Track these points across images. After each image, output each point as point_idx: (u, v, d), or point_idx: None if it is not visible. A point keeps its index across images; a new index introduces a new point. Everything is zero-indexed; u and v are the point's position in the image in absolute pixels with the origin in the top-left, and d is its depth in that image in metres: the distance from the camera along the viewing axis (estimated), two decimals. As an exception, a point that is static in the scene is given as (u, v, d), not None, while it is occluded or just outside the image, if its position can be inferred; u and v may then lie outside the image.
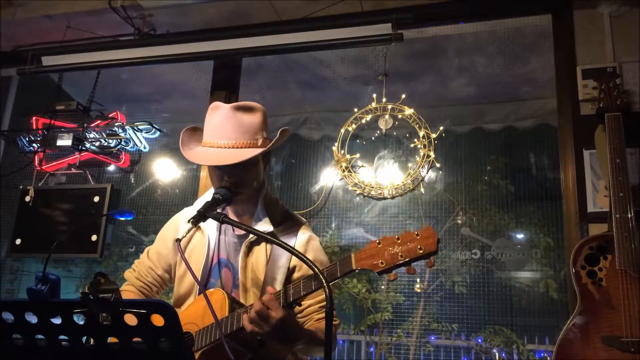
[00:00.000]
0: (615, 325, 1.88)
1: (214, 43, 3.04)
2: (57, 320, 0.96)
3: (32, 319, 0.97)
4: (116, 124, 3.35)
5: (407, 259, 1.30)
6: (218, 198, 1.54)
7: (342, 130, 2.98)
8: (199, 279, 1.63)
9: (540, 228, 3.01)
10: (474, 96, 3.31)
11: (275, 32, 2.96)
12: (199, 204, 1.65)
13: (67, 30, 3.29)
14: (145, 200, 3.53)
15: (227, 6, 2.98)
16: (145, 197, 3.53)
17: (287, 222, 1.71)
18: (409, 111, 2.88)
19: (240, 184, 1.61)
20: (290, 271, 1.64)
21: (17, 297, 3.57)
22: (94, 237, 3.12)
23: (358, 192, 2.91)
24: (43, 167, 3.40)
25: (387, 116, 2.93)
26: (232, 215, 1.73)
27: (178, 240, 1.45)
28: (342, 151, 2.97)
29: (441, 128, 2.86)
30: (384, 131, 2.95)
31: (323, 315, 1.61)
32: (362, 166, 2.98)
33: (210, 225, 1.72)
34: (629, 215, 1.95)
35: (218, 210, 1.53)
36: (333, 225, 3.29)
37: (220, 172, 1.62)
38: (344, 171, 2.94)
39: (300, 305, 1.49)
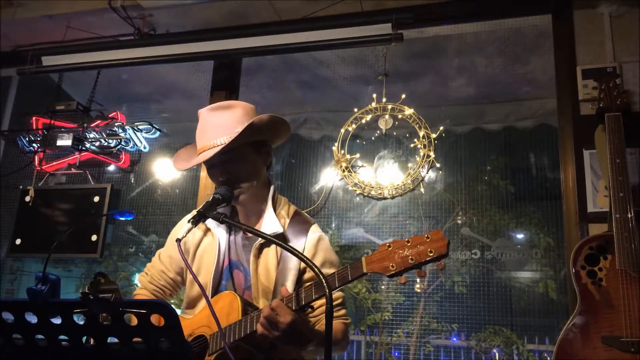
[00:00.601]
0: (615, 325, 1.88)
1: (214, 43, 3.04)
2: (57, 320, 0.96)
3: (32, 319, 0.97)
4: (116, 124, 3.35)
5: (417, 262, 1.29)
6: (218, 198, 1.54)
7: (342, 130, 2.98)
8: (211, 282, 1.64)
9: (540, 228, 3.01)
10: (474, 96, 3.31)
11: (275, 32, 2.96)
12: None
13: (67, 30, 3.29)
14: (145, 200, 3.53)
15: (227, 6, 2.98)
16: (145, 197, 3.54)
17: (296, 222, 1.70)
18: (409, 111, 2.88)
19: (232, 180, 1.61)
20: (301, 272, 1.63)
21: (17, 297, 3.57)
22: (94, 237, 3.12)
23: (358, 192, 2.91)
24: (43, 167, 3.40)
25: (387, 116, 2.93)
26: (241, 217, 1.73)
27: (178, 240, 1.45)
28: (342, 151, 2.97)
29: (441, 128, 2.86)
30: (384, 131, 2.95)
31: (334, 315, 1.61)
32: (362, 166, 2.98)
33: (220, 228, 1.71)
34: (629, 215, 1.95)
35: (218, 210, 1.53)
36: (333, 225, 3.29)
37: (214, 172, 1.65)
38: (344, 171, 2.94)
39: (313, 308, 1.49)
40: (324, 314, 1.60)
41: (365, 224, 3.21)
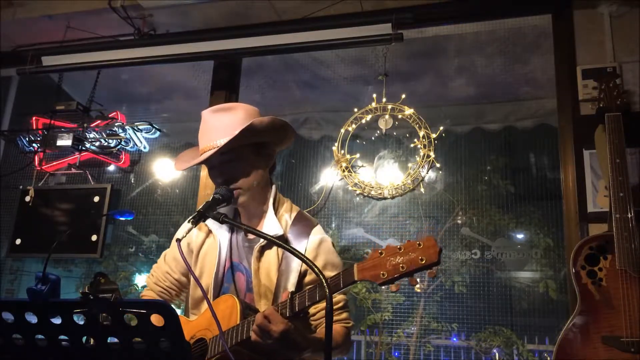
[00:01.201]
0: (615, 325, 1.88)
1: (214, 43, 3.04)
2: (57, 320, 0.97)
3: (32, 319, 0.97)
4: (116, 124, 3.35)
5: (408, 270, 1.27)
6: (218, 198, 1.54)
7: (342, 130, 2.98)
8: (212, 284, 1.64)
9: (540, 228, 3.01)
10: (474, 96, 3.31)
11: (275, 32, 2.96)
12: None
13: (67, 30, 3.29)
14: (145, 200, 3.53)
15: (227, 6, 2.98)
16: (145, 197, 3.53)
17: (298, 224, 1.69)
18: (409, 111, 2.88)
19: (231, 180, 1.61)
20: (302, 275, 1.63)
21: (17, 297, 3.57)
22: (94, 237, 3.11)
23: (358, 192, 2.91)
24: (43, 167, 3.40)
25: (387, 116, 2.93)
26: (243, 219, 1.73)
27: (178, 241, 1.45)
28: (342, 151, 2.97)
29: (441, 128, 2.86)
30: (384, 131, 2.95)
31: (335, 319, 1.61)
32: (362, 166, 2.98)
33: (221, 230, 1.71)
34: (629, 215, 1.95)
35: (219, 210, 1.53)
36: (333, 225, 3.29)
37: (214, 173, 1.65)
38: (344, 171, 2.94)
39: (307, 314, 1.48)
40: (323, 319, 1.61)
41: (365, 224, 3.21)
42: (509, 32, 2.96)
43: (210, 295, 1.63)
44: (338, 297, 1.63)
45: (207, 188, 3.01)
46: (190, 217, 1.47)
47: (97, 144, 3.36)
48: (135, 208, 3.48)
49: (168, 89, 3.77)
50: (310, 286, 1.42)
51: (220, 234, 1.71)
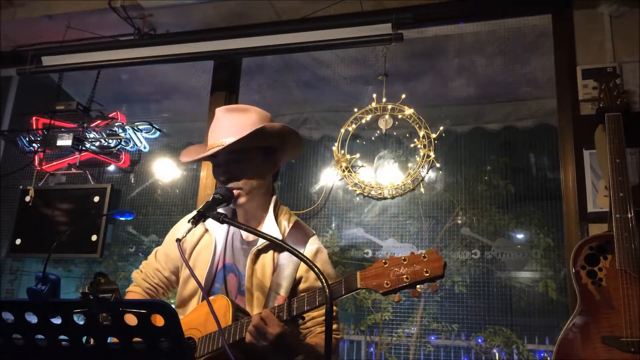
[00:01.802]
0: (615, 325, 1.88)
1: (214, 43, 3.04)
2: (57, 320, 0.96)
3: (32, 319, 0.97)
4: (116, 124, 3.35)
5: (412, 281, 1.28)
6: (218, 198, 1.54)
7: (342, 130, 2.98)
8: (203, 283, 1.63)
9: (540, 228, 3.01)
10: (474, 96, 3.31)
11: (275, 32, 2.96)
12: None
13: (67, 30, 3.29)
14: (145, 200, 3.53)
15: (227, 6, 2.98)
16: (145, 197, 3.53)
17: (296, 232, 1.69)
18: (409, 111, 2.88)
19: (233, 180, 1.61)
20: (297, 282, 1.62)
21: (17, 297, 3.57)
22: (94, 237, 3.12)
23: (358, 192, 2.91)
24: (43, 167, 3.40)
25: (387, 116, 2.93)
26: (241, 221, 1.72)
27: (178, 240, 1.45)
28: (342, 151, 2.97)
29: (441, 128, 2.86)
30: (384, 131, 2.95)
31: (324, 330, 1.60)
32: (362, 166, 2.98)
33: (218, 230, 1.71)
34: (629, 215, 1.95)
35: (219, 210, 1.53)
36: (333, 225, 3.29)
37: (217, 171, 1.65)
38: (344, 171, 2.94)
39: (303, 319, 1.48)
40: (315, 326, 1.60)
41: (365, 224, 3.21)
42: (509, 32, 2.96)
43: (200, 295, 1.63)
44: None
45: (207, 188, 3.01)
46: (191, 217, 1.47)
47: (97, 144, 3.36)
48: (135, 208, 3.48)
49: (168, 89, 3.77)
50: (309, 291, 1.41)
51: (217, 233, 1.71)
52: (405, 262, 1.30)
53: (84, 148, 3.36)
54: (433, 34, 2.96)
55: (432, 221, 3.09)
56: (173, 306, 0.96)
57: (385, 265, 1.31)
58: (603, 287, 1.95)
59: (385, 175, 2.98)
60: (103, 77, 3.48)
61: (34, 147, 3.44)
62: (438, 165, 2.83)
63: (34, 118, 3.48)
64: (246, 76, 3.37)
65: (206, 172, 3.04)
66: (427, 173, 2.82)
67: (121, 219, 2.95)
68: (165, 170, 3.55)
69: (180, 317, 1.64)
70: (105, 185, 3.26)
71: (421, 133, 2.83)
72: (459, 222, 3.09)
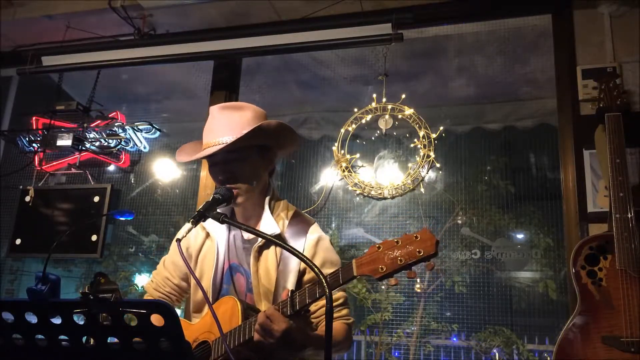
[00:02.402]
0: (615, 325, 1.88)
1: (214, 43, 3.04)
2: (57, 320, 0.96)
3: (32, 319, 0.97)
4: (116, 124, 3.35)
5: (406, 263, 1.27)
6: (218, 198, 1.54)
7: (342, 130, 2.98)
8: (211, 286, 1.64)
9: (540, 228, 3.01)
10: (474, 96, 3.31)
11: (275, 32, 2.96)
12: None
13: (67, 30, 3.29)
14: (145, 200, 3.53)
15: (227, 6, 2.98)
16: (145, 197, 3.53)
17: (295, 223, 1.70)
18: (409, 111, 2.88)
19: (232, 180, 1.61)
20: (301, 273, 1.63)
21: (17, 297, 3.57)
22: (94, 237, 3.12)
23: (358, 192, 2.91)
24: (43, 167, 3.40)
25: (387, 116, 2.93)
26: (240, 219, 1.73)
27: (178, 241, 1.45)
28: (342, 151, 2.97)
29: (441, 128, 2.86)
30: (384, 131, 2.95)
31: (335, 316, 1.61)
32: (362, 166, 2.98)
33: (219, 232, 1.71)
34: (629, 215, 1.95)
35: (218, 210, 1.53)
36: (333, 225, 3.29)
37: (215, 170, 1.65)
38: (344, 171, 2.94)
39: (309, 311, 1.48)
40: (324, 316, 1.61)
41: (365, 224, 3.21)
42: (509, 32, 2.96)
43: (209, 298, 1.63)
44: (338, 294, 1.63)
45: (207, 188, 3.01)
46: (190, 217, 1.47)
47: (97, 144, 3.36)
48: (135, 208, 3.48)
49: (168, 89, 3.77)
50: (310, 284, 1.42)
51: (218, 235, 1.71)
52: (398, 244, 1.30)
53: (84, 148, 3.36)
54: (433, 34, 2.96)
55: (432, 221, 3.09)
56: (175, 308, 0.96)
57: (380, 250, 1.32)
58: (603, 287, 1.95)
59: (385, 175, 2.98)
60: (103, 77, 3.48)
61: (34, 147, 3.44)
62: (438, 165, 2.83)
63: (34, 118, 3.48)
64: (246, 76, 3.37)
65: (206, 172, 3.04)
66: (427, 173, 2.82)
67: (121, 219, 2.96)
68: (165, 170, 3.55)
69: (196, 321, 1.65)
70: (105, 185, 3.26)
71: (421, 133, 2.83)
72: (459, 222, 3.09)
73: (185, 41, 3.09)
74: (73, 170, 3.42)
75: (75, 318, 0.96)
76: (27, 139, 3.45)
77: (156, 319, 0.93)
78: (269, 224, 1.66)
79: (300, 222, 1.71)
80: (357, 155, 2.98)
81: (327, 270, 1.55)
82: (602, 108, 2.19)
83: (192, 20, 3.13)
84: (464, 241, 3.04)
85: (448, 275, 3.06)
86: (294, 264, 1.61)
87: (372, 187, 2.87)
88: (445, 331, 3.00)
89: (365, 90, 3.18)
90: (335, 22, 2.85)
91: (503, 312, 2.86)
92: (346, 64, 3.27)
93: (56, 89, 3.61)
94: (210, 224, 1.69)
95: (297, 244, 1.63)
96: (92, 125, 3.39)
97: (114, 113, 3.40)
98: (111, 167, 3.47)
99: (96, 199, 3.22)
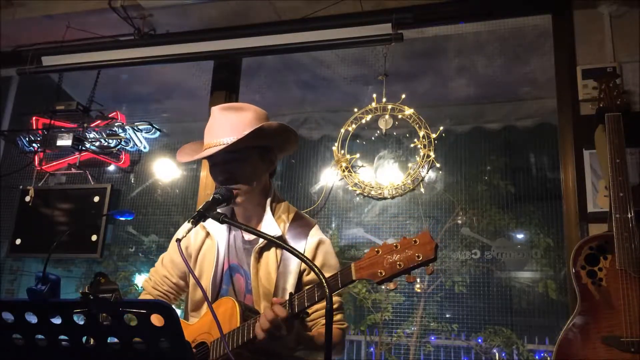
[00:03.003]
0: (615, 325, 1.88)
1: (214, 43, 3.04)
2: (57, 320, 0.96)
3: (32, 319, 0.97)
4: (116, 124, 3.35)
5: (405, 268, 1.27)
6: (218, 198, 1.54)
7: (342, 130, 2.98)
8: (210, 286, 1.64)
9: (540, 228, 3.01)
10: (474, 96, 3.31)
11: (275, 32, 2.96)
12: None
13: (67, 30, 3.29)
14: (145, 200, 3.53)
15: (227, 6, 2.98)
16: (145, 197, 3.54)
17: (296, 225, 1.69)
18: (409, 111, 2.88)
19: (232, 180, 1.61)
20: (301, 274, 1.63)
21: (17, 297, 3.57)
22: (94, 237, 3.12)
23: (358, 192, 2.91)
24: (43, 167, 3.40)
25: (387, 116, 2.93)
26: (240, 220, 1.72)
27: (178, 241, 1.45)
28: (342, 151, 2.97)
29: (441, 128, 2.86)
30: (384, 131, 2.95)
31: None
32: (362, 166, 2.98)
33: (219, 232, 1.71)
34: (629, 215, 1.95)
35: (219, 210, 1.52)
36: (333, 225, 3.29)
37: (215, 171, 1.65)
38: (344, 171, 2.94)
39: (307, 314, 1.48)
40: (320, 318, 1.61)
41: (365, 224, 3.21)
42: (509, 32, 2.96)
43: (209, 298, 1.63)
44: (334, 299, 1.62)
45: (207, 188, 3.01)
46: (190, 217, 1.47)
47: (97, 144, 3.36)
48: (135, 208, 3.48)
49: (168, 89, 3.77)
50: (309, 286, 1.42)
51: (219, 235, 1.71)
52: (397, 248, 1.29)
53: (84, 148, 3.36)
54: (433, 34, 2.96)
55: (432, 221, 3.09)
56: (174, 307, 0.96)
57: (379, 254, 1.31)
58: (603, 287, 1.95)
59: (385, 175, 2.98)
60: (103, 77, 3.48)
61: (34, 147, 3.44)
62: (438, 165, 2.83)
63: (34, 118, 3.49)
64: (246, 76, 3.37)
65: (206, 172, 3.04)
66: (427, 173, 2.82)
67: (121, 219, 2.95)
68: (165, 170, 3.55)
69: (193, 321, 1.65)
70: (105, 185, 3.26)
71: (421, 133, 2.83)
72: (459, 222, 3.09)
73: (185, 41, 3.09)
74: (73, 170, 3.42)
75: (75, 318, 0.96)
76: (27, 139, 3.45)
77: (156, 319, 0.93)
78: (270, 225, 1.66)
79: (301, 224, 1.70)
80: (357, 155, 2.98)
81: (325, 274, 1.56)
82: (602, 108, 2.19)
83: (192, 20, 3.13)
84: (464, 241, 3.04)
85: (448, 275, 3.06)
86: (293, 265, 1.61)
87: (372, 187, 2.87)
88: (445, 331, 3.00)
89: (365, 90, 3.18)
90: (335, 22, 2.85)
91: (503, 312, 2.86)
92: (346, 64, 3.27)
93: (56, 89, 3.61)
94: (210, 223, 1.69)
95: (298, 246, 1.63)
96: (92, 125, 3.39)
97: (114, 113, 3.40)
98: (111, 167, 3.47)
99: (96, 199, 3.22)
